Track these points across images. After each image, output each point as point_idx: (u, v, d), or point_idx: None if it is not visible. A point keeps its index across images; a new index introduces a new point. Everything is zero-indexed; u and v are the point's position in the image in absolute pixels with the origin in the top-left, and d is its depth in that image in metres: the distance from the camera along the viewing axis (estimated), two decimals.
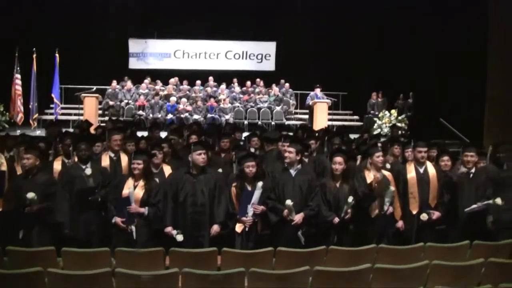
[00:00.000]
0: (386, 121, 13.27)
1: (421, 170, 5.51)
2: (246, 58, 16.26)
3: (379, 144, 5.82)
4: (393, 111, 13.52)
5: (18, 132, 10.71)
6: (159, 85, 14.57)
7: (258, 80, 15.11)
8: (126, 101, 13.79)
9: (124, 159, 5.74)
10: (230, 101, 14.18)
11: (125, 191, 4.93)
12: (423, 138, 5.81)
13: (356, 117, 15.13)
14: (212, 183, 5.08)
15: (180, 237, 4.82)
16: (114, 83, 14.05)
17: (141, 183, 4.98)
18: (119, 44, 15.31)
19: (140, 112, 13.54)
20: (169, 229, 4.91)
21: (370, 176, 5.39)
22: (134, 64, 15.65)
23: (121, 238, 4.87)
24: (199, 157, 5.04)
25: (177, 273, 3.95)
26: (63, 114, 13.45)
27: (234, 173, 5.72)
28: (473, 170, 5.51)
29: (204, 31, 15.39)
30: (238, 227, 5.05)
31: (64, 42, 13.34)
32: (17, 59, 12.13)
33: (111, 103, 13.74)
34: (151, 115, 13.41)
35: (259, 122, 13.93)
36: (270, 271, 4.02)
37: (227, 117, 13.66)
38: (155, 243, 4.74)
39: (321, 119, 12.54)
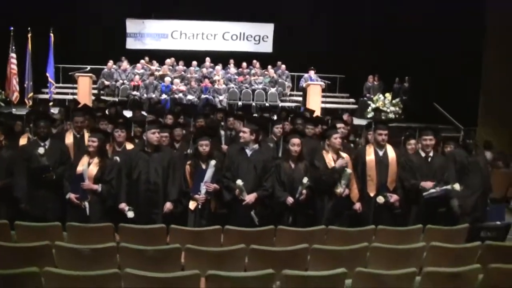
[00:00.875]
0: (380, 104, 13.13)
1: (381, 153, 5.48)
2: (243, 40, 16.09)
3: (339, 126, 5.77)
4: (387, 94, 13.37)
5: (13, 110, 10.94)
6: (155, 65, 14.59)
7: (254, 61, 15.01)
8: (121, 81, 13.86)
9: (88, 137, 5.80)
10: (225, 82, 14.13)
11: (79, 168, 5.02)
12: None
13: (352, 100, 14.99)
14: (166, 161, 5.15)
15: (131, 214, 4.90)
16: (111, 63, 14.11)
17: (95, 160, 5.05)
18: (117, 24, 15.27)
19: (135, 92, 13.60)
20: (122, 205, 4.99)
21: (328, 157, 5.38)
22: (131, 44, 15.64)
23: (75, 215, 4.94)
24: (153, 136, 5.11)
25: (115, 247, 4.04)
26: (58, 93, 13.56)
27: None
28: (431, 154, 5.47)
29: (202, 12, 15.24)
30: (191, 205, 5.12)
31: (61, 22, 13.28)
32: (12, 38, 12.17)
33: (106, 83, 13.83)
34: (145, 95, 13.45)
35: (253, 104, 13.91)
36: (207, 248, 4.06)
37: (221, 98, 13.60)
38: (109, 220, 4.79)
39: (314, 101, 12.44)
